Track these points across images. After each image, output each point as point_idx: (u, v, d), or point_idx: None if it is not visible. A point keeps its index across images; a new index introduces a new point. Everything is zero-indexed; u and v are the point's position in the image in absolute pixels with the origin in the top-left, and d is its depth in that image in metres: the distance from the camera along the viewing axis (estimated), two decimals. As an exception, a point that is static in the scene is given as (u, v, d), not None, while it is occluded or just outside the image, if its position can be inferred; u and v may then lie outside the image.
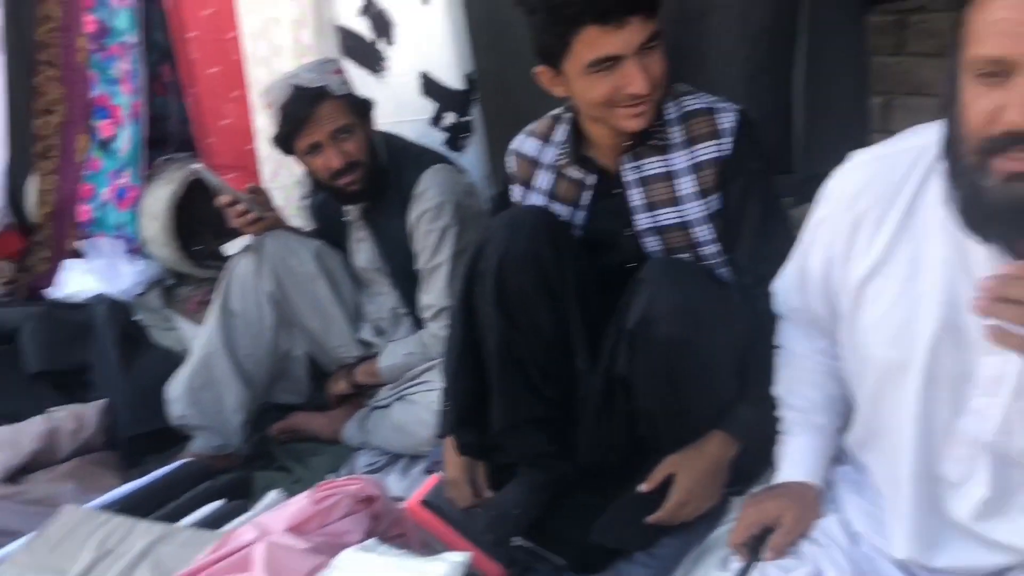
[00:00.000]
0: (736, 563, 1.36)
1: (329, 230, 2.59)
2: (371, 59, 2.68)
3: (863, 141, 1.93)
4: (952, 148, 1.11)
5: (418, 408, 2.28)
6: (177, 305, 3.25)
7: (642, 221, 1.77)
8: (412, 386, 2.34)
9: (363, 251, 2.50)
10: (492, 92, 2.54)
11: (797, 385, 1.49)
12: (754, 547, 1.35)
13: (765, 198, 1.74)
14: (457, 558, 1.51)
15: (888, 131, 2.40)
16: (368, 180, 2.33)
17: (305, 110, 2.21)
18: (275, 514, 1.71)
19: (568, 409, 1.78)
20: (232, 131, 3.20)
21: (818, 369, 1.48)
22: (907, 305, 1.22)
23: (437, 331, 2.31)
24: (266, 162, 3.05)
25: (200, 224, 3.30)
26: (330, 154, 2.25)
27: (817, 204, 1.39)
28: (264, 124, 2.88)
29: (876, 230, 1.26)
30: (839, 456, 1.47)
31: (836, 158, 1.82)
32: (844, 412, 1.47)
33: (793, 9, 1.92)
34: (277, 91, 2.26)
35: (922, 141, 1.24)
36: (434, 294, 2.32)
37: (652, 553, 1.68)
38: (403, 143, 2.47)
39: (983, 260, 1.14)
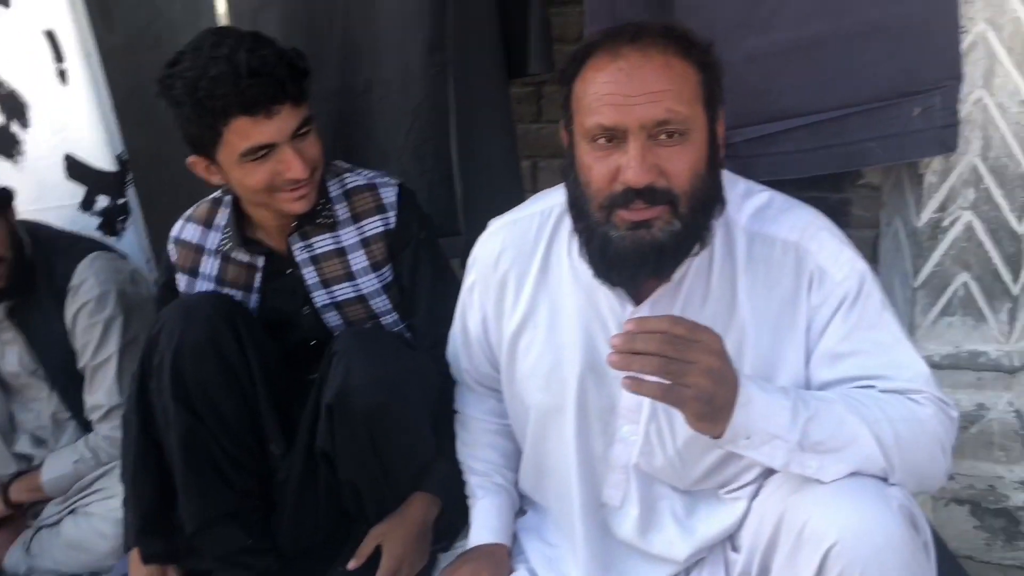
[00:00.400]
0: None
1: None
2: (4, 144, 2.44)
3: (518, 200, 2.10)
4: (579, 206, 1.25)
5: (95, 520, 2.07)
6: None
7: (320, 298, 1.78)
8: (84, 496, 2.12)
9: (12, 355, 2.24)
10: (146, 172, 2.41)
11: (475, 448, 1.59)
12: None
13: (434, 263, 1.81)
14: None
15: (538, 190, 2.66)
16: (13, 276, 2.10)
17: None
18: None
19: (265, 498, 1.72)
20: None
21: (491, 430, 1.59)
22: (553, 352, 1.36)
23: (108, 432, 2.12)
24: None
25: None
26: None
27: (467, 272, 1.51)
28: None
29: (519, 288, 1.40)
30: (519, 507, 1.58)
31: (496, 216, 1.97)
32: (517, 467, 1.59)
33: (445, 83, 2.05)
34: None
35: (546, 205, 1.42)
36: (102, 393, 2.13)
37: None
38: (51, 232, 2.26)
39: (608, 305, 1.31)
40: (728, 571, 1.32)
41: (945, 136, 1.74)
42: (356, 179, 1.77)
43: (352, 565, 1.61)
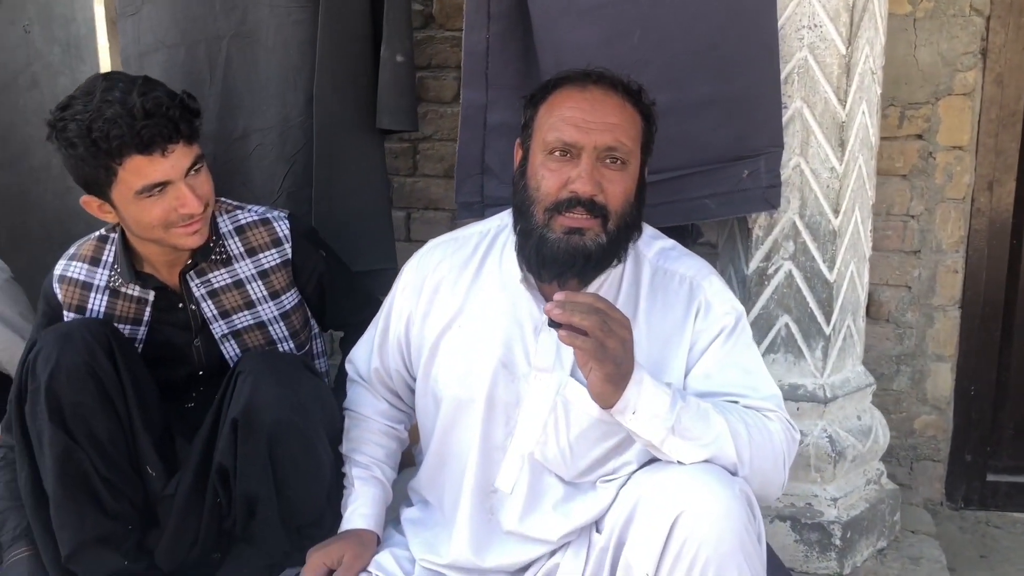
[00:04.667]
0: None
1: None
2: None
3: (389, 249, 2.25)
4: (524, 209, 1.48)
5: None
6: None
7: (217, 329, 1.85)
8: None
9: None
10: (13, 212, 2.41)
11: (360, 444, 1.71)
12: None
13: (344, 273, 1.98)
14: None
15: (411, 239, 2.81)
16: None
17: None
18: None
19: (140, 521, 1.76)
20: None
21: (379, 429, 1.74)
22: (473, 350, 1.54)
23: None
24: None
25: None
26: None
27: (401, 274, 1.69)
28: None
29: (451, 292, 1.59)
30: (407, 500, 1.72)
31: (365, 263, 2.11)
32: (397, 465, 1.76)
33: (317, 135, 2.17)
34: None
35: (485, 227, 1.65)
36: None
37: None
38: None
39: (528, 309, 1.51)
40: (590, 550, 1.48)
41: (769, 195, 2.01)
42: (247, 215, 1.87)
43: None
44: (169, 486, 1.74)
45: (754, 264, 2.10)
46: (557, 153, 1.44)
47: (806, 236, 2.07)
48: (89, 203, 1.71)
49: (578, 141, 1.43)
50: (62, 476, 1.65)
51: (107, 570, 1.70)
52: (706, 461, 1.36)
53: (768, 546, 1.89)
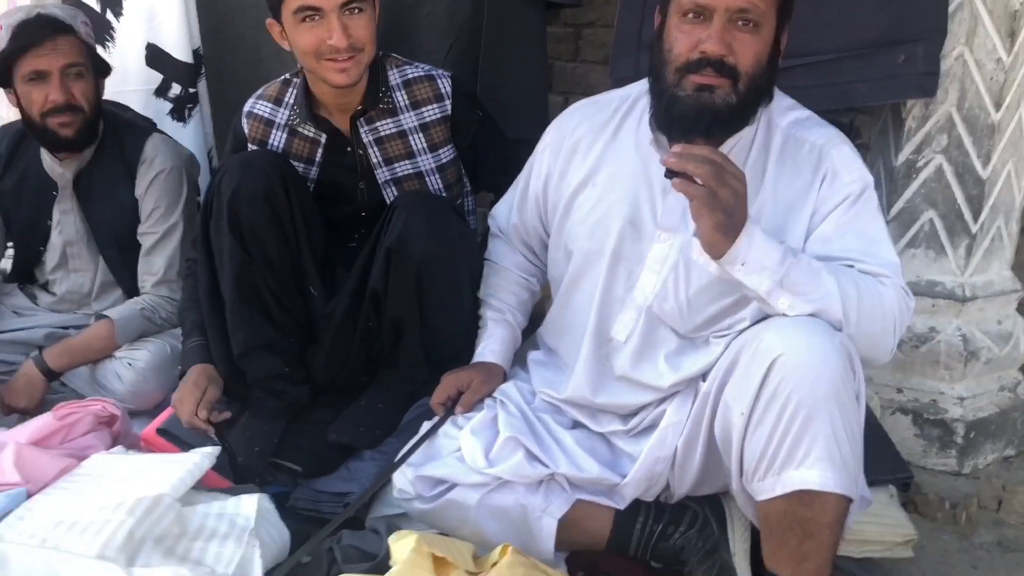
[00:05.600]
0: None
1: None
2: (99, 30, 2.71)
3: (542, 120, 2.34)
4: (658, 71, 1.54)
5: (114, 362, 2.27)
6: None
7: (381, 175, 2.03)
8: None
9: (68, 224, 2.41)
10: (215, 76, 2.66)
11: (498, 291, 1.87)
12: (449, 406, 1.71)
13: (497, 135, 2.10)
14: (207, 450, 1.67)
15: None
16: (82, 131, 2.26)
17: (43, 33, 2.15)
18: (15, 431, 1.76)
19: (302, 337, 2.00)
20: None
21: (515, 280, 1.89)
22: (603, 208, 1.64)
23: (166, 293, 2.34)
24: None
25: None
26: (55, 86, 2.18)
27: (543, 136, 1.80)
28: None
29: (587, 152, 1.69)
30: (534, 345, 1.86)
31: (518, 131, 2.21)
32: (528, 314, 1.90)
33: (489, 7, 2.29)
34: (17, 13, 2.19)
35: (626, 92, 1.72)
36: (162, 259, 2.35)
37: (379, 450, 1.93)
38: (127, 111, 2.52)
39: (657, 171, 1.57)
40: (695, 398, 1.56)
41: (925, 83, 1.97)
42: (414, 71, 2.02)
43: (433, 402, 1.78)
44: (328, 306, 1.95)
45: (903, 156, 2.08)
46: (690, 15, 1.47)
47: (961, 130, 2.02)
48: (272, 26, 1.91)
49: (710, 3, 1.45)
50: (238, 286, 1.89)
51: (270, 372, 1.94)
52: (812, 316, 1.39)
53: (886, 435, 1.94)
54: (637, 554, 1.63)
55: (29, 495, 1.53)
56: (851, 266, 1.47)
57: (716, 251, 1.37)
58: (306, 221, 1.95)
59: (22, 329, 2.43)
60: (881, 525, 1.70)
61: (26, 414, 2.15)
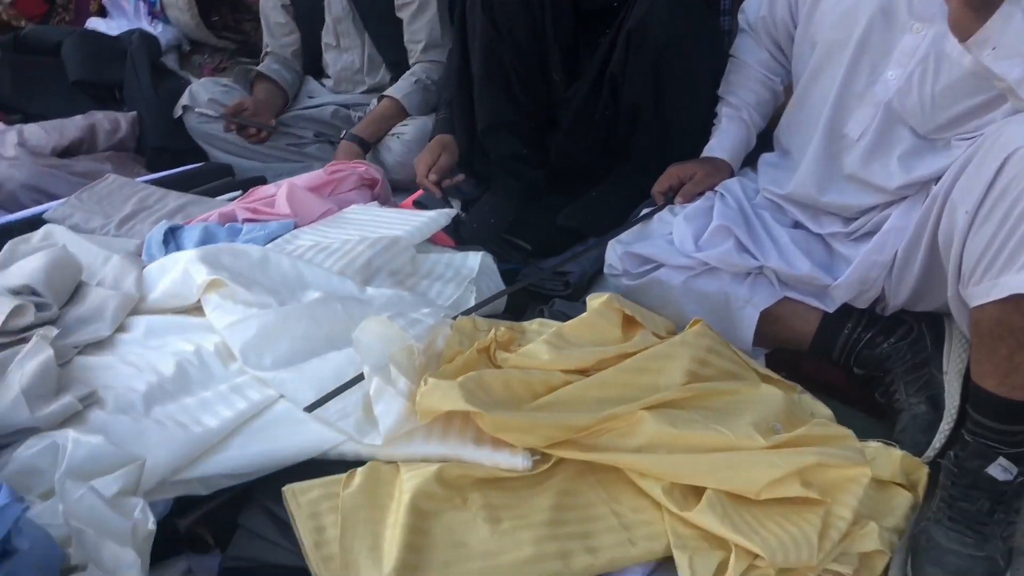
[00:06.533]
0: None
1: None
2: None
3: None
4: None
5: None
6: (191, 70, 3.46)
7: None
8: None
9: (336, 3, 2.62)
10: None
11: (738, 88, 1.83)
12: (670, 195, 1.73)
13: None
14: (445, 210, 1.84)
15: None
16: None
17: None
18: (294, 178, 2.03)
19: (542, 120, 2.08)
20: None
21: (756, 77, 1.83)
22: None
23: (432, 58, 2.54)
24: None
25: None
26: None
27: None
28: None
29: None
30: (769, 148, 1.82)
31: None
32: (767, 116, 1.84)
33: None
34: None
35: None
36: (423, 26, 2.52)
37: (605, 238, 2.01)
38: None
39: None
40: (926, 201, 1.46)
41: None
42: None
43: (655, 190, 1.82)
44: (569, 91, 2.01)
45: None
46: None
47: None
48: None
49: None
50: (486, 62, 1.99)
51: (509, 150, 2.07)
52: None
53: None
54: (840, 358, 1.61)
55: (296, 227, 1.79)
56: None
57: (964, 31, 1.25)
58: (555, 9, 1.98)
59: (313, 107, 2.74)
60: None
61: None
